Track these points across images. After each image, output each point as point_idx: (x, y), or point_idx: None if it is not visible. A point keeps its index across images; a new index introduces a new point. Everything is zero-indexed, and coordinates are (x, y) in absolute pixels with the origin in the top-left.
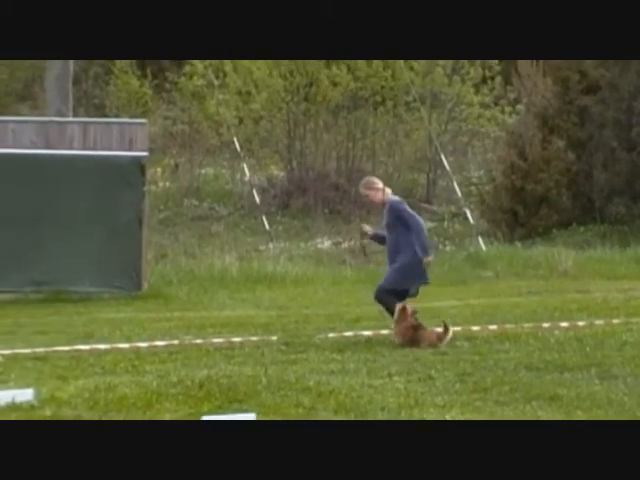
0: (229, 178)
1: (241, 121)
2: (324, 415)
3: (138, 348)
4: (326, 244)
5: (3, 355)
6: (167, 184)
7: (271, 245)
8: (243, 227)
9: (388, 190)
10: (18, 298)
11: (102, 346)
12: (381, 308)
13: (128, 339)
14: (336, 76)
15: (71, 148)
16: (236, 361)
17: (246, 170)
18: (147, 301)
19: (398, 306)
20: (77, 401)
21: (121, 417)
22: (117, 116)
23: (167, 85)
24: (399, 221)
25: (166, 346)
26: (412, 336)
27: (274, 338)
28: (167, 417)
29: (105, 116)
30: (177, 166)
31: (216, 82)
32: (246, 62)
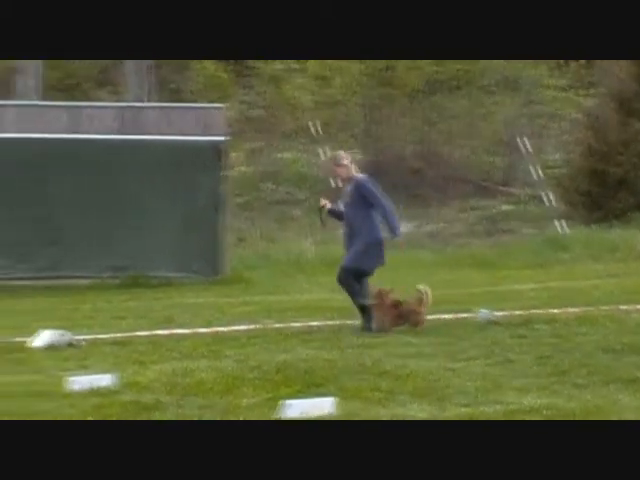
0: (306, 162)
1: (318, 105)
2: (402, 399)
3: (217, 333)
4: (405, 228)
5: (84, 340)
6: (245, 169)
7: None
8: None
9: (355, 167)
10: (96, 284)
11: (181, 331)
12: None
13: (208, 324)
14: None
15: (149, 133)
16: (314, 345)
17: (323, 154)
18: (226, 286)
19: (373, 291)
20: (156, 385)
21: (199, 401)
22: (195, 101)
23: (245, 69)
24: (363, 200)
25: (245, 330)
26: (397, 314)
27: (351, 322)
28: (244, 402)
29: (183, 101)
30: (255, 151)
31: (294, 66)
32: None
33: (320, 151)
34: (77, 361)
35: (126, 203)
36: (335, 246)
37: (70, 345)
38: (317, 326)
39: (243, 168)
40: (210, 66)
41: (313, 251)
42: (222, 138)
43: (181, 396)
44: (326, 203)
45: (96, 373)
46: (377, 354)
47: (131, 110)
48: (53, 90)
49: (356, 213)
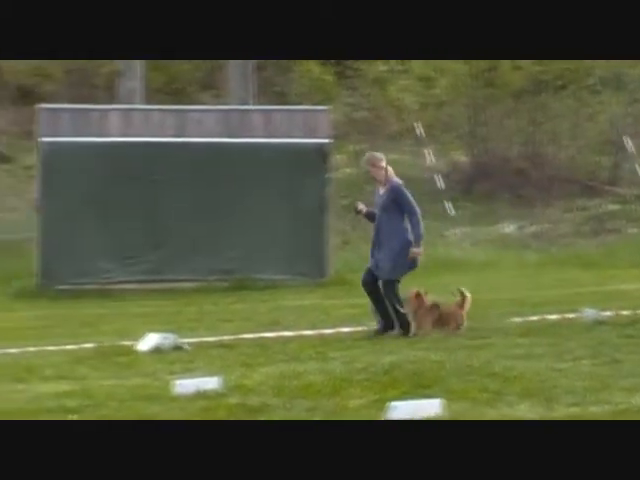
0: (412, 164)
1: (423, 106)
2: (510, 400)
3: (323, 335)
4: (510, 228)
5: (190, 343)
6: (349, 170)
7: (455, 230)
8: (427, 213)
9: (391, 170)
10: (202, 286)
11: (287, 333)
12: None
13: (313, 326)
14: (519, 60)
15: (254, 136)
16: (421, 347)
17: (428, 156)
18: (331, 288)
19: (411, 294)
20: (263, 388)
21: (307, 404)
22: (299, 104)
23: (349, 71)
24: (395, 205)
25: (351, 332)
26: (437, 317)
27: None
28: (352, 404)
29: (287, 104)
30: (359, 152)
31: (398, 68)
32: None
33: (425, 152)
34: (183, 364)
35: (232, 206)
36: (440, 248)
37: (176, 348)
38: None
39: (348, 170)
40: (314, 68)
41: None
42: (327, 140)
43: (289, 398)
44: (363, 207)
45: (202, 376)
46: (485, 355)
47: (236, 113)
48: (157, 93)
49: (387, 217)
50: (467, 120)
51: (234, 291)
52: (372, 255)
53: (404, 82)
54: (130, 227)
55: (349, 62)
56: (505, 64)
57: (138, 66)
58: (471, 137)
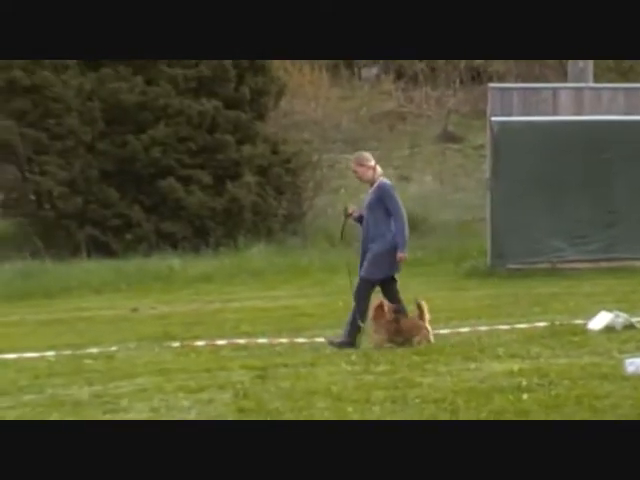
0: None
1: None
2: None
3: None
4: None
5: None
6: None
7: None
8: None
9: (379, 170)
10: None
11: None
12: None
13: None
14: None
15: None
16: None
17: None
18: None
19: (374, 304)
20: None
21: None
22: None
23: None
24: (381, 204)
25: None
26: (395, 330)
27: None
28: None
29: None
30: None
31: None
32: None
33: None
34: (636, 343)
35: None
36: None
37: (629, 327)
38: None
39: None
40: None
41: None
42: None
43: None
44: (354, 210)
45: None
46: None
47: None
48: (607, 72)
49: (372, 217)
50: None
51: None
52: (362, 257)
53: None
54: (580, 206)
55: None
56: None
57: None
58: None
